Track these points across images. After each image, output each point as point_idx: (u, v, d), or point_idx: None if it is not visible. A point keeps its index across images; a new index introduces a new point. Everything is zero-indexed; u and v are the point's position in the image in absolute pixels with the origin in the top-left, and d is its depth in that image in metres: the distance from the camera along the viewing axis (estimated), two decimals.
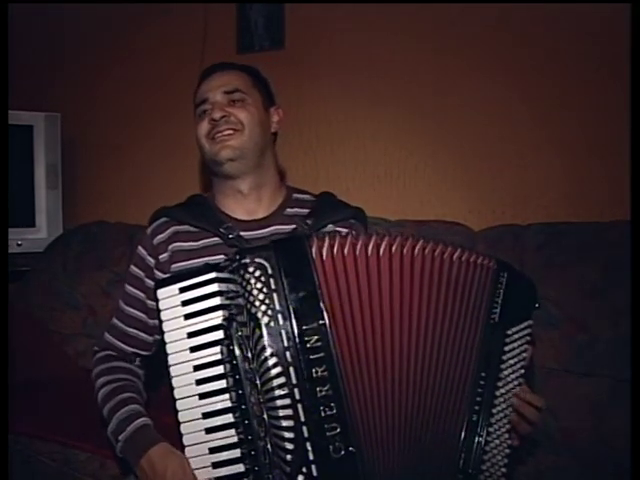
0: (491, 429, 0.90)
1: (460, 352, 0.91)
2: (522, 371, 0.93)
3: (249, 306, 0.86)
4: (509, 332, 0.93)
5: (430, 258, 0.91)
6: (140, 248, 1.15)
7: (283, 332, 0.84)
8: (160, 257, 1.11)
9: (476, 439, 0.89)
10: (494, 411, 0.90)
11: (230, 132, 1.08)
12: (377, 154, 1.80)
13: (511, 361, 0.92)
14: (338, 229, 1.12)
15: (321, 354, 0.84)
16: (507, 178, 1.64)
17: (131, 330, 1.14)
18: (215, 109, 1.09)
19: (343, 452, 0.82)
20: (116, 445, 1.00)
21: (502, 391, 0.91)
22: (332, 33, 1.84)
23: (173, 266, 1.09)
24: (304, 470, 0.82)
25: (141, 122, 2.17)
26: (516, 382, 0.92)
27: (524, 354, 0.93)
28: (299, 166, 1.88)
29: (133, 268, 1.15)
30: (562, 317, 1.31)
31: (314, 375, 0.83)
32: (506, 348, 0.92)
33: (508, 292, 0.93)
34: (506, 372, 0.92)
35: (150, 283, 1.10)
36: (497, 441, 0.90)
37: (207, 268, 0.89)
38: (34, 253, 2.01)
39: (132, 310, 1.14)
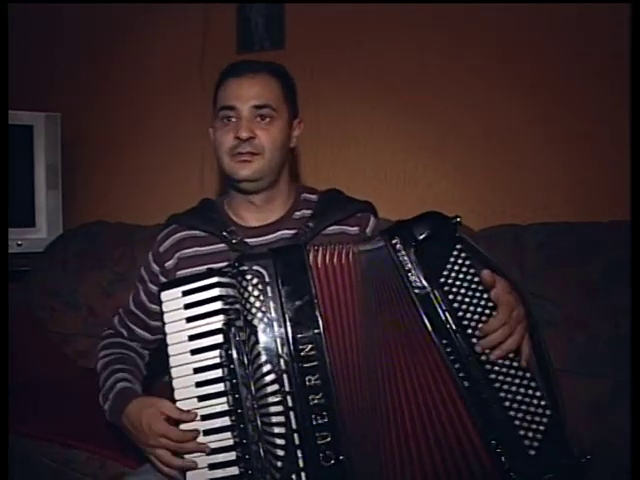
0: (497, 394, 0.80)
1: (419, 344, 0.84)
2: (486, 298, 0.81)
3: (245, 312, 0.87)
4: (443, 281, 0.82)
5: None
6: (149, 254, 1.18)
7: (278, 339, 0.85)
8: (166, 265, 1.13)
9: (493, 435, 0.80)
10: (492, 377, 0.81)
11: (251, 155, 1.07)
12: (377, 154, 1.80)
13: (466, 300, 0.81)
14: (343, 228, 1.11)
15: (315, 362, 0.84)
16: (507, 178, 1.64)
17: (133, 326, 1.19)
18: (242, 126, 1.06)
19: (333, 461, 0.82)
20: (106, 414, 1.06)
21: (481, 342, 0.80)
22: (332, 33, 1.84)
23: (178, 273, 1.11)
24: (294, 477, 0.82)
25: (141, 122, 2.17)
26: (487, 312, 0.80)
27: (475, 283, 0.81)
28: (299, 167, 1.88)
29: (142, 270, 1.20)
30: (562, 317, 1.31)
31: (307, 383, 0.84)
32: (450, 297, 0.82)
33: (416, 251, 0.84)
34: (468, 315, 0.81)
35: (153, 288, 1.13)
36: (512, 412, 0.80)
37: (210, 273, 0.91)
38: (34, 253, 2.01)
39: (135, 309, 1.19)
